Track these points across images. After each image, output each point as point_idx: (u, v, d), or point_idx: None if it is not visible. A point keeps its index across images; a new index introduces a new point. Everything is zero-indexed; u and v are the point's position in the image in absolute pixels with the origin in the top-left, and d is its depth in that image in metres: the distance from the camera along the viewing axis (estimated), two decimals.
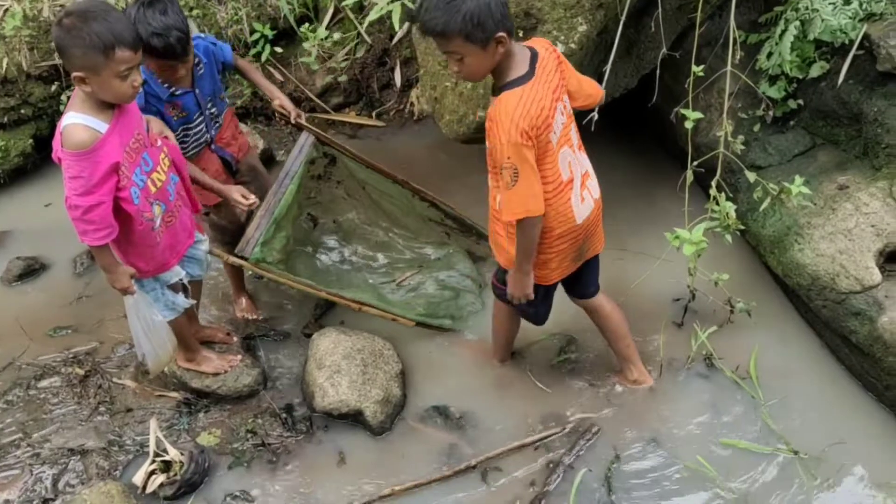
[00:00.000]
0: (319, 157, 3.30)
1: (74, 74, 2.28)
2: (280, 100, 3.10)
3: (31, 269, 3.79)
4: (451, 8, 2.14)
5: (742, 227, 3.07)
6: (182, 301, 2.88)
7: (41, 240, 3.91)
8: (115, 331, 3.41)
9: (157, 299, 2.80)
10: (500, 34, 2.19)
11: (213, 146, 3.06)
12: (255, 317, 3.46)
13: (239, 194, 2.94)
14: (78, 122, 2.34)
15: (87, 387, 3.18)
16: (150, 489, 2.77)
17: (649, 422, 2.90)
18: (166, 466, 2.81)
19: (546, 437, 2.89)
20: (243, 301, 3.48)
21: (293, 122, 3.10)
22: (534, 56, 2.34)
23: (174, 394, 3.13)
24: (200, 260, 2.96)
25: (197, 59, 2.82)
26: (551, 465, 2.80)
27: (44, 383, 3.21)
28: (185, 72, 2.73)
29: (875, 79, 3.08)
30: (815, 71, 3.22)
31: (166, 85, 2.75)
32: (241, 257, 2.91)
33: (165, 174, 2.61)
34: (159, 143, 2.61)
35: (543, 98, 2.29)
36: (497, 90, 2.34)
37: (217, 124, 3.03)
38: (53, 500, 2.79)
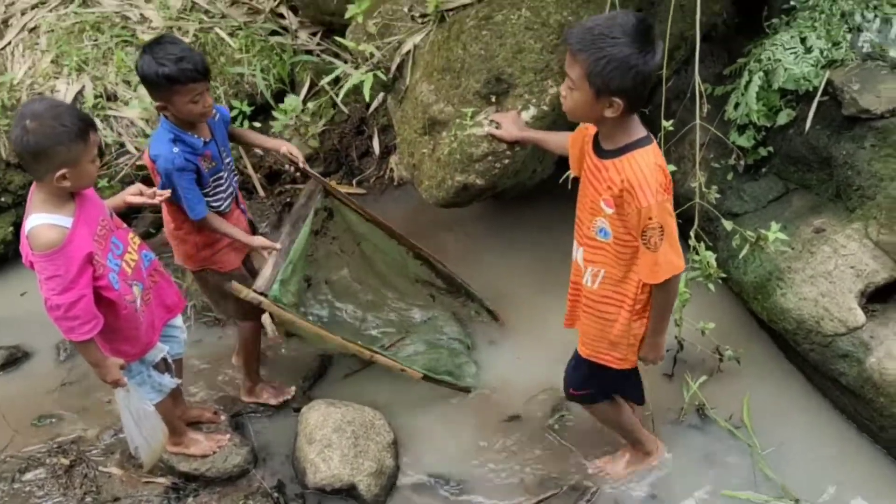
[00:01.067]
0: (321, 209, 3.30)
1: (58, 174, 2.26)
2: (286, 146, 3.08)
3: (14, 358, 3.73)
4: (597, 42, 2.04)
5: (724, 275, 3.08)
6: (168, 381, 2.84)
7: (22, 328, 3.85)
8: (99, 417, 3.35)
9: (144, 382, 2.76)
10: (617, 100, 2.09)
11: (240, 205, 3.08)
12: (287, 396, 3.36)
13: (263, 240, 3.00)
14: (43, 222, 2.33)
15: (73, 477, 3.10)
16: None
17: (648, 478, 2.86)
18: None
19: (544, 500, 2.84)
20: (263, 388, 3.39)
21: (301, 166, 3.10)
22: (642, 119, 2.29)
23: (162, 479, 3.05)
24: (178, 338, 2.95)
25: (213, 111, 2.84)
26: None
27: (28, 476, 3.12)
28: (211, 101, 2.73)
29: (841, 123, 3.15)
30: (783, 118, 3.30)
31: (195, 135, 2.75)
32: (261, 293, 2.83)
33: (137, 253, 2.62)
34: (124, 225, 2.64)
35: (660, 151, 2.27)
36: (618, 151, 2.22)
37: (235, 177, 3.04)
38: None
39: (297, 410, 3.23)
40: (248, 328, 3.18)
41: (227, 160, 2.96)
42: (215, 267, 3.02)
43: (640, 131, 2.23)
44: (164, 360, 2.82)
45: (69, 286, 2.33)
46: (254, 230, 3.16)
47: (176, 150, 2.69)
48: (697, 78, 3.17)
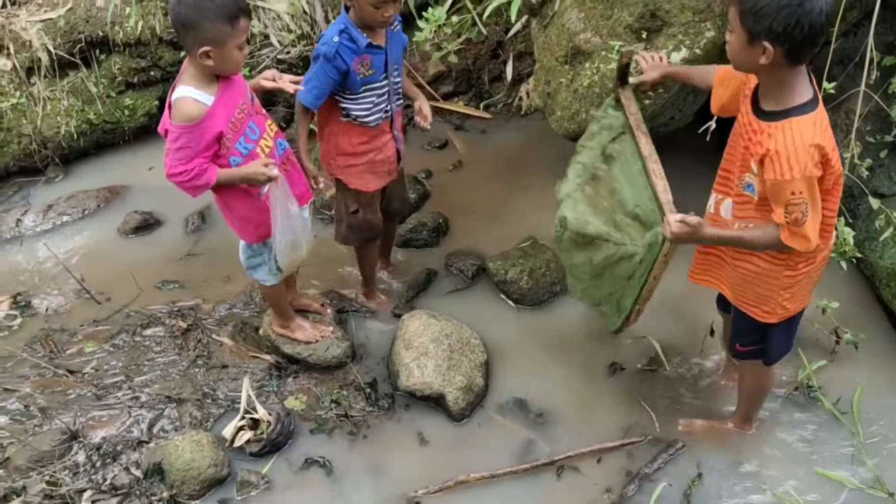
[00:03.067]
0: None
1: (201, 50, 2.37)
2: (423, 104, 3.02)
3: (147, 224, 4.00)
4: None
5: (858, 256, 2.92)
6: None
7: (158, 197, 4.11)
8: (218, 290, 3.57)
9: (263, 263, 2.90)
10: (768, 45, 1.94)
11: (394, 131, 2.97)
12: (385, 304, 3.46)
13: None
14: (188, 95, 2.45)
15: (188, 340, 3.34)
16: (237, 444, 2.88)
17: (738, 444, 2.81)
18: (254, 424, 2.91)
19: (628, 444, 2.85)
20: (376, 294, 3.47)
21: (427, 127, 3.02)
22: (810, 78, 2.12)
23: (267, 356, 3.24)
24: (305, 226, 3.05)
25: (393, 19, 2.74)
26: (630, 474, 2.76)
27: (148, 332, 3.38)
28: (396, 11, 2.67)
29: None
30: None
31: (365, 34, 2.68)
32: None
33: (272, 140, 2.70)
34: (264, 111, 2.72)
35: (826, 119, 2.11)
36: (776, 115, 2.08)
37: (398, 98, 2.95)
38: (147, 442, 2.94)
39: (398, 316, 3.33)
40: (360, 252, 3.32)
41: (396, 79, 2.87)
42: (344, 180, 3.01)
43: (804, 93, 2.07)
44: None
45: (193, 157, 2.47)
46: (398, 158, 3.06)
47: (336, 39, 2.66)
48: (871, 41, 2.95)
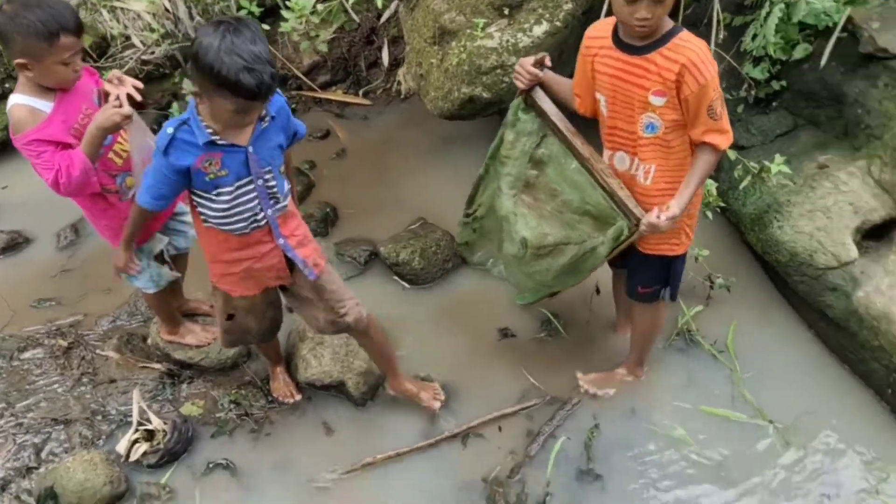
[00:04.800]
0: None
1: (17, 61, 2.29)
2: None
3: (14, 243, 3.78)
4: None
5: (723, 205, 3.10)
6: (167, 273, 2.88)
7: (23, 214, 3.90)
8: (98, 303, 3.42)
9: (144, 270, 2.80)
10: None
11: (278, 239, 2.43)
12: (294, 399, 3.04)
13: (123, 261, 2.60)
14: (20, 102, 2.36)
15: (71, 358, 3.19)
16: (133, 458, 2.78)
17: (629, 393, 2.94)
18: (149, 435, 2.82)
19: (526, 408, 2.93)
20: (280, 377, 3.07)
21: None
22: None
23: (157, 365, 3.13)
24: (186, 232, 2.96)
25: (264, 113, 2.23)
26: (531, 434, 2.84)
27: (27, 354, 3.21)
28: (250, 121, 2.20)
29: (857, 61, 3.12)
30: (799, 53, 3.26)
31: (210, 131, 2.17)
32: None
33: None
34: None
35: None
36: (660, 42, 2.22)
37: (276, 204, 2.38)
38: (37, 468, 2.79)
39: (291, 310, 3.28)
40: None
41: (269, 182, 2.33)
42: (220, 287, 2.57)
43: (670, 21, 2.27)
44: (162, 251, 2.85)
45: (56, 154, 2.35)
46: (290, 269, 2.55)
47: (171, 130, 2.17)
48: (717, 5, 3.13)
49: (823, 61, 3.17)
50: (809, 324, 3.10)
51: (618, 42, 2.30)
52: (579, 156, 2.48)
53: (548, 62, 2.47)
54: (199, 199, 2.31)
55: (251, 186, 2.29)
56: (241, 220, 2.34)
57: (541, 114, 2.53)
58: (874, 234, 2.96)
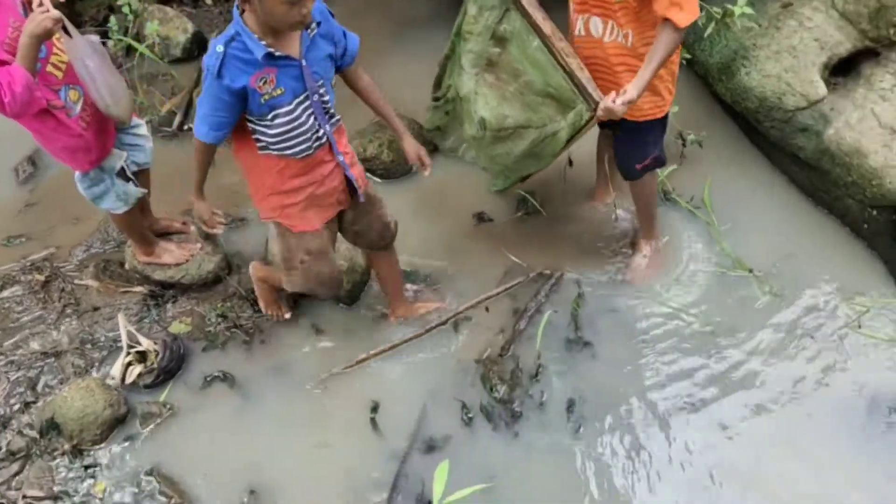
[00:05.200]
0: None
1: None
2: (415, 148, 2.51)
3: None
4: None
5: (689, 57, 3.03)
6: (134, 190, 2.81)
7: None
8: (68, 234, 3.36)
9: (108, 190, 2.74)
10: None
11: (337, 156, 2.35)
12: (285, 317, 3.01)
13: (208, 213, 2.47)
14: None
15: (50, 291, 3.15)
16: (129, 380, 2.80)
17: (611, 259, 2.97)
18: (142, 357, 2.83)
19: (512, 287, 2.95)
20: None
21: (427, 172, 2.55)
22: None
23: (139, 288, 3.11)
24: (143, 146, 2.87)
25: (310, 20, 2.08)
26: (518, 311, 2.88)
27: (6, 293, 3.17)
28: (307, 12, 1.99)
29: None
30: None
31: (264, 42, 2.03)
32: None
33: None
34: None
35: None
36: None
37: (331, 119, 2.29)
38: (35, 402, 2.82)
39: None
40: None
41: (323, 96, 2.22)
42: (284, 223, 2.43)
43: None
44: (124, 168, 2.76)
45: None
46: (352, 192, 2.47)
47: (221, 48, 2.02)
48: None
49: None
50: (783, 169, 3.11)
51: None
52: (540, 32, 2.35)
53: None
54: (254, 126, 2.18)
55: (307, 103, 2.18)
56: (303, 140, 2.22)
57: None
58: (841, 70, 2.91)
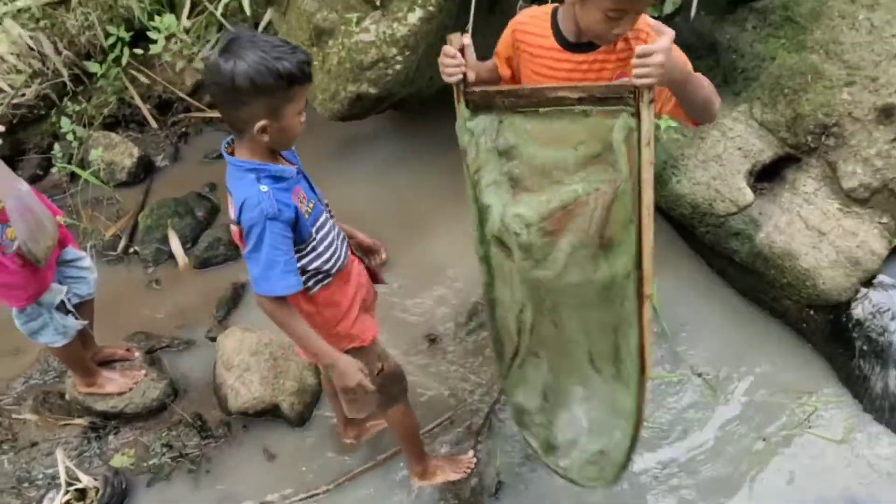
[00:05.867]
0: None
1: None
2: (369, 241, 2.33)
3: None
4: None
5: None
6: (73, 323, 2.76)
7: None
8: (6, 367, 3.25)
9: (47, 324, 2.68)
10: None
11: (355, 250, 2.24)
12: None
13: (360, 372, 2.08)
14: None
15: None
16: None
17: None
18: (81, 495, 2.70)
19: (442, 421, 2.90)
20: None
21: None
22: None
23: (79, 420, 3.01)
24: (87, 278, 2.83)
25: None
26: (472, 431, 2.85)
27: None
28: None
29: (724, 7, 3.21)
30: (669, 7, 3.31)
31: (275, 164, 1.92)
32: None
33: None
34: None
35: None
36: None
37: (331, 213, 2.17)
38: None
39: (214, 339, 3.21)
40: (400, 411, 2.49)
41: (324, 199, 2.11)
42: (358, 344, 2.21)
43: None
44: (63, 302, 2.72)
45: None
46: (374, 278, 2.33)
47: (266, 188, 1.85)
48: None
49: (693, 13, 3.24)
50: (721, 272, 3.20)
51: (563, 41, 1.95)
52: (532, 99, 1.87)
53: (466, 40, 1.87)
54: (304, 256, 1.98)
55: (323, 206, 2.06)
56: (337, 245, 2.07)
57: (484, 101, 1.93)
58: (766, 176, 3.06)
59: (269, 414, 2.95)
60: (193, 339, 3.33)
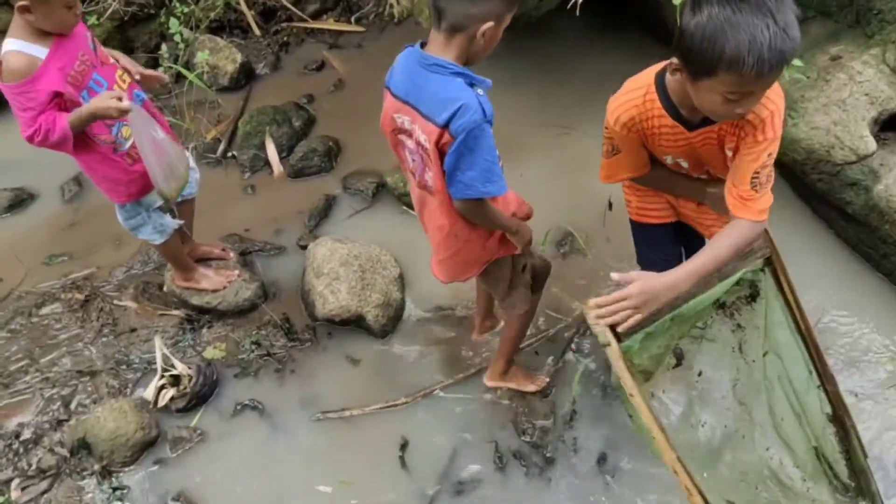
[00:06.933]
0: (747, 280, 2.05)
1: (19, 3, 2.19)
2: None
3: (20, 200, 3.75)
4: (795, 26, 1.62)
5: None
6: (170, 222, 2.85)
7: (25, 170, 3.84)
8: (109, 255, 3.41)
9: (145, 223, 2.78)
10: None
11: None
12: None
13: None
14: (15, 48, 2.27)
15: (89, 311, 3.19)
16: (161, 403, 2.81)
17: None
18: (176, 381, 2.85)
19: (543, 337, 2.92)
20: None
21: None
22: None
23: (176, 312, 3.14)
24: (189, 178, 2.90)
25: None
26: (553, 358, 2.85)
27: (45, 310, 3.21)
28: None
29: None
30: None
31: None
32: (616, 335, 1.75)
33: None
34: (112, 60, 2.53)
35: None
36: None
37: None
38: (67, 420, 2.83)
39: (304, 248, 3.27)
40: (531, 310, 2.57)
41: None
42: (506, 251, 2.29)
43: None
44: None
45: (38, 115, 2.29)
46: None
47: (480, 90, 1.84)
48: None
49: None
50: (829, 222, 3.06)
51: (679, 118, 1.89)
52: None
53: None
54: None
55: None
56: None
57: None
58: (891, 125, 2.87)
59: (353, 324, 3.02)
60: (284, 245, 3.41)
